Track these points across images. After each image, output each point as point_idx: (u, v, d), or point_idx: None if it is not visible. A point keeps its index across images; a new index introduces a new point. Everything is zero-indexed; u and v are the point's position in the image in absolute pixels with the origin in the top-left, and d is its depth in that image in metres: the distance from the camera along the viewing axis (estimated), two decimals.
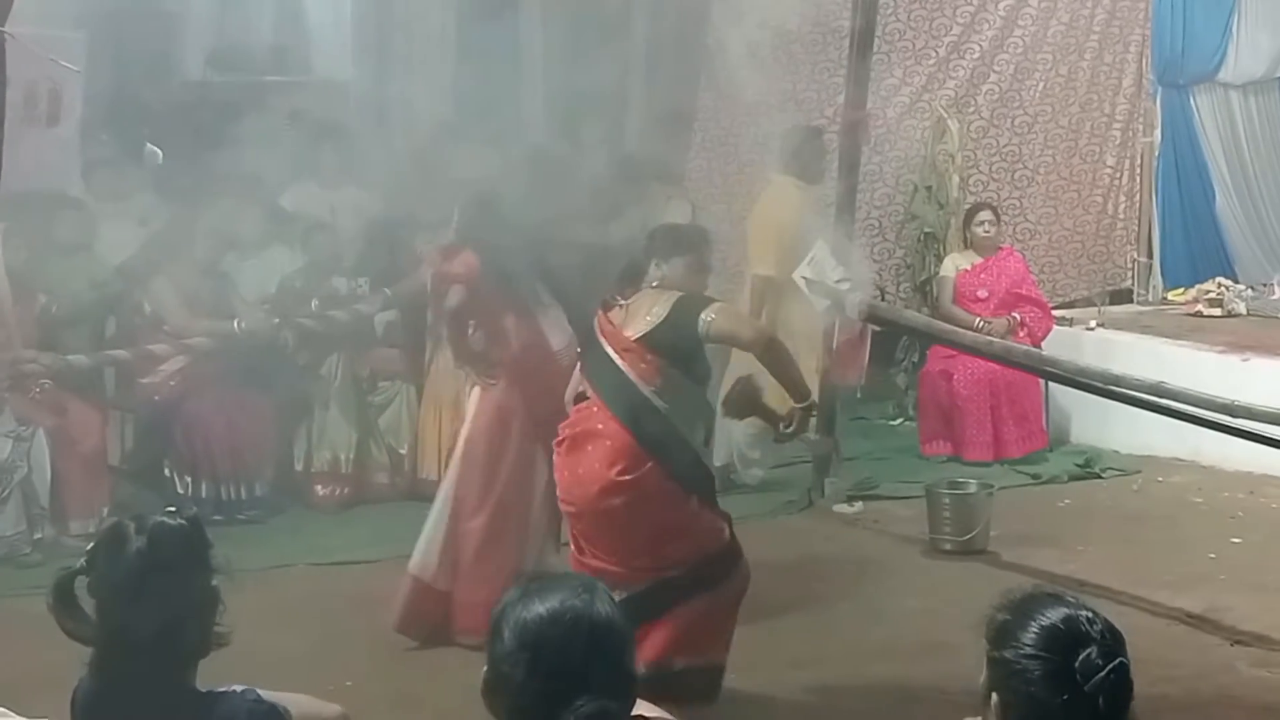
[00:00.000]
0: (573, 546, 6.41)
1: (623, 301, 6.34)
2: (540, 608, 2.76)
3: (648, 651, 5.93)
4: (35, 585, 7.14)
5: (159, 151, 10.68)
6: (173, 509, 3.34)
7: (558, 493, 6.48)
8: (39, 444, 8.18)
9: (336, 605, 7.25)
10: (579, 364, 6.59)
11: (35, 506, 8.13)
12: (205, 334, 8.85)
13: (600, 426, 6.17)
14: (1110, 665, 2.76)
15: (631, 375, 6.16)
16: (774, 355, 6.43)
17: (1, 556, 7.71)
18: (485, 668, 2.78)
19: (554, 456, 6.43)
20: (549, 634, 2.74)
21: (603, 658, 2.75)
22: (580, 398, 6.36)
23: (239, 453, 8.89)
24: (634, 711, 2.85)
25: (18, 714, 3.78)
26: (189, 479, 8.76)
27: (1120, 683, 2.77)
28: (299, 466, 9.18)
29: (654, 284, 6.28)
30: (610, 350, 6.25)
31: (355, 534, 8.50)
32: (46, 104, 8.70)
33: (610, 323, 6.28)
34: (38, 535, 8.10)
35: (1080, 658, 2.76)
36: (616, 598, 5.59)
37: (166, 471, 8.86)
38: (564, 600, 2.78)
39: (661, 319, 6.15)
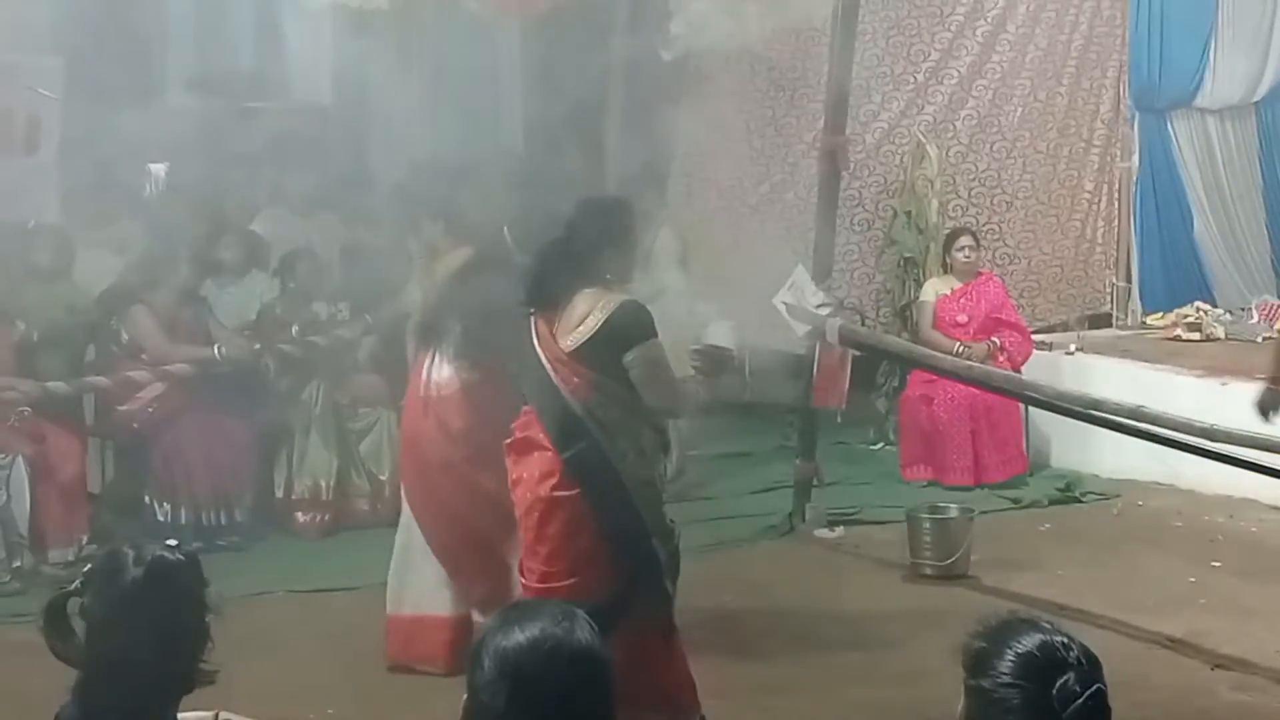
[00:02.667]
0: (522, 557, 6.09)
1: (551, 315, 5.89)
2: (520, 636, 2.75)
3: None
4: (14, 614, 7.15)
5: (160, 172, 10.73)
6: (172, 542, 3.33)
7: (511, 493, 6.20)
8: (17, 472, 8.15)
9: (317, 632, 7.23)
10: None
11: (14, 535, 8.09)
12: (185, 360, 8.84)
13: (541, 438, 5.88)
14: (1088, 691, 2.76)
15: (564, 390, 5.82)
16: (679, 410, 6.33)
17: None
18: (465, 696, 2.77)
19: (506, 458, 6.11)
20: (528, 662, 2.73)
21: (582, 686, 2.74)
22: (528, 410, 6.04)
23: (219, 479, 8.86)
24: None
25: None
26: (168, 506, 8.71)
27: (1098, 709, 2.76)
28: (279, 493, 9.16)
29: (604, 279, 5.84)
30: (544, 359, 5.88)
31: (336, 561, 8.46)
32: (25, 131, 8.70)
33: (546, 327, 5.87)
34: (16, 564, 8.06)
35: (1057, 685, 2.75)
36: None
37: (146, 499, 8.81)
38: (544, 628, 2.77)
39: (593, 333, 5.75)
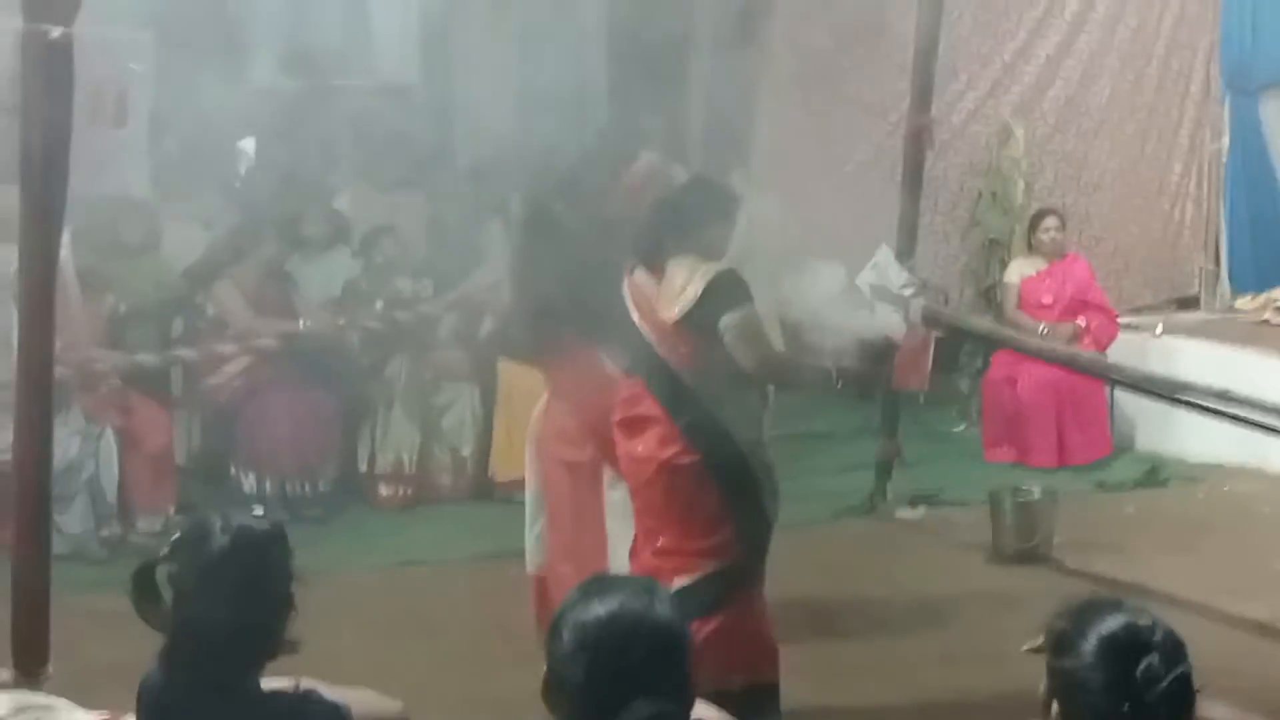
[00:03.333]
0: (636, 530, 6.25)
1: (647, 278, 5.99)
2: (599, 609, 2.77)
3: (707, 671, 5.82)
4: (103, 582, 7.24)
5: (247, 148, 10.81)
6: (258, 511, 3.39)
7: (621, 467, 6.33)
8: (106, 443, 8.26)
9: (400, 605, 7.30)
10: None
11: (103, 505, 8.21)
12: (270, 334, 8.94)
13: (653, 410, 5.97)
14: (1172, 674, 2.75)
15: (671, 361, 5.94)
16: (772, 377, 6.37)
17: (70, 554, 7.70)
18: (545, 669, 2.79)
19: (614, 435, 6.23)
20: (607, 636, 2.74)
21: (660, 660, 2.76)
22: (633, 379, 6.15)
23: (303, 452, 8.99)
24: (693, 714, 2.86)
25: (83, 708, 3.81)
26: (253, 477, 8.87)
27: (1182, 692, 2.75)
28: (363, 467, 9.26)
29: (684, 254, 5.89)
30: (647, 331, 5.99)
31: (418, 534, 8.57)
32: (113, 105, 8.77)
33: (644, 297, 5.98)
34: (105, 533, 8.19)
35: (1141, 666, 2.75)
36: (676, 585, 5.65)
37: (232, 470, 8.96)
38: (623, 602, 2.79)
39: (695, 300, 5.81)
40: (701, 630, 5.73)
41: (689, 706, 2.82)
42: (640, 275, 5.99)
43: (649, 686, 2.72)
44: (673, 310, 5.83)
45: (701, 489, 5.93)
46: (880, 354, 6.43)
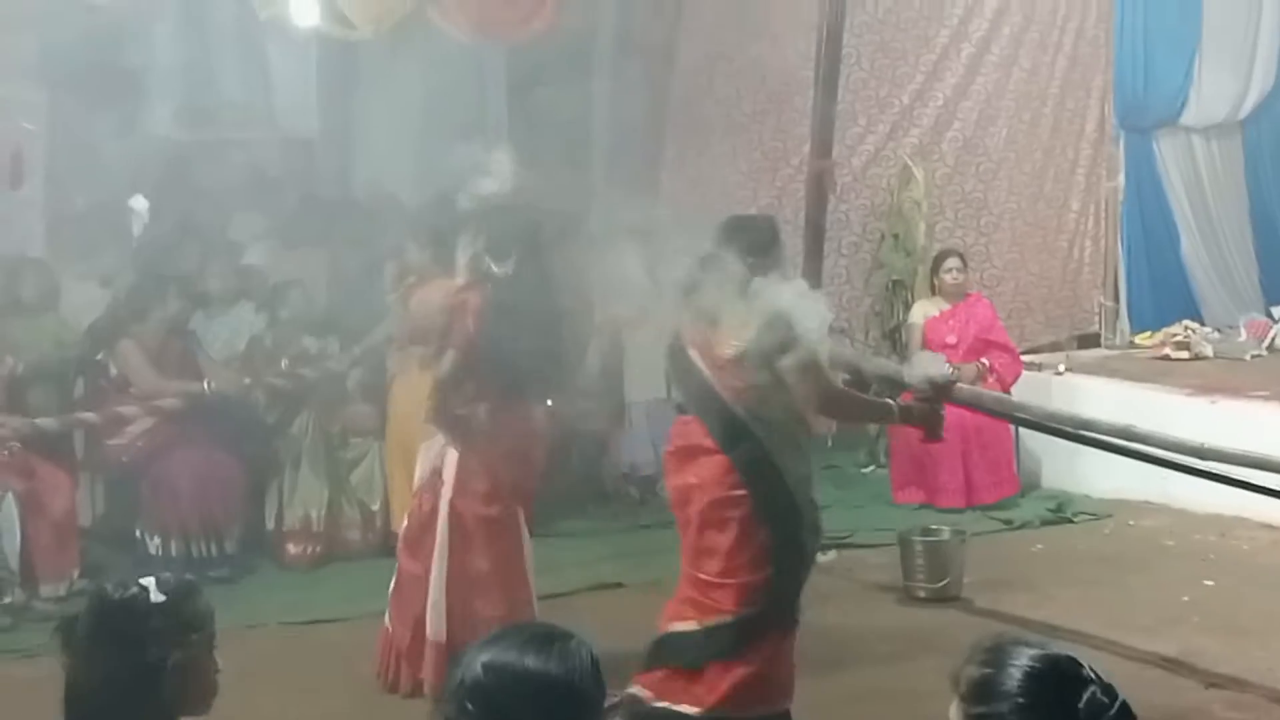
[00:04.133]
0: (684, 562, 6.28)
1: (701, 322, 6.11)
2: (491, 659, 2.76)
3: (723, 694, 6.00)
4: (4, 649, 7.13)
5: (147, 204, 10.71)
6: (152, 580, 3.34)
7: (669, 500, 6.42)
8: (8, 508, 8.09)
9: (309, 663, 7.21)
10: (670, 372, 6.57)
11: (4, 570, 8.03)
12: (173, 394, 8.81)
13: (706, 443, 6.06)
14: (1117, 702, 2.75)
15: (726, 396, 6.04)
16: (833, 410, 6.58)
17: None
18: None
19: (664, 465, 6.44)
20: (494, 689, 2.73)
21: (550, 715, 2.74)
22: (681, 409, 6.31)
23: (209, 512, 8.81)
24: None
25: None
26: (159, 539, 8.67)
27: (1128, 717, 2.75)
28: (270, 524, 9.14)
29: (737, 284, 6.00)
30: (703, 367, 6.11)
31: (327, 591, 8.45)
32: (9, 165, 8.69)
33: (701, 338, 6.10)
34: (7, 599, 7.99)
35: (1084, 698, 2.73)
36: (715, 620, 5.92)
37: (137, 532, 8.78)
38: (518, 656, 2.77)
39: (752, 339, 5.94)
40: (734, 665, 5.98)
41: None
42: (692, 319, 6.12)
43: None
44: (728, 348, 5.96)
45: (750, 525, 6.01)
46: (939, 390, 6.61)
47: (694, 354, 6.12)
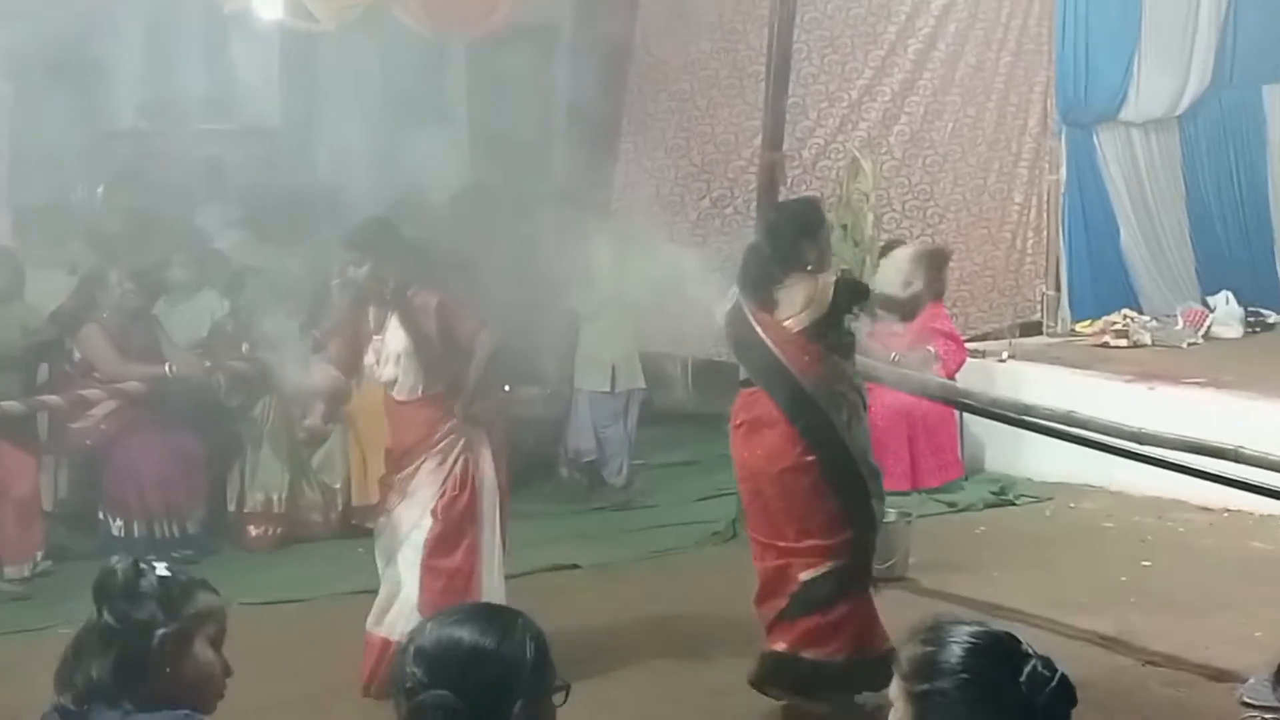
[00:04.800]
0: (752, 534, 6.56)
1: (766, 302, 6.32)
2: (439, 631, 2.83)
3: (808, 641, 6.26)
4: None
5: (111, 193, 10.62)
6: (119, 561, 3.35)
7: (736, 473, 6.59)
8: None
9: (270, 643, 7.15)
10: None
11: None
12: (136, 378, 8.74)
13: (774, 414, 6.26)
14: (1057, 675, 2.74)
15: (793, 369, 6.24)
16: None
17: None
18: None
19: (732, 438, 6.54)
20: (436, 657, 2.79)
21: (484, 685, 2.78)
22: (746, 383, 6.46)
23: (171, 494, 8.79)
24: None
25: None
26: (121, 521, 8.65)
27: (1066, 693, 2.75)
28: (232, 507, 9.11)
29: (805, 269, 6.29)
30: (770, 343, 6.28)
31: (288, 573, 8.40)
32: None
33: (766, 315, 6.29)
34: None
35: (1026, 672, 2.74)
36: (801, 578, 6.19)
37: (100, 514, 8.75)
38: (459, 629, 2.83)
39: (825, 310, 6.23)
40: (821, 620, 6.24)
41: None
42: (753, 303, 6.32)
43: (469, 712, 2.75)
44: (795, 322, 6.22)
45: (819, 490, 6.24)
46: None
47: (760, 330, 6.29)
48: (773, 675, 6.36)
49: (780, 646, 6.38)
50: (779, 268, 6.36)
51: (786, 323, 6.27)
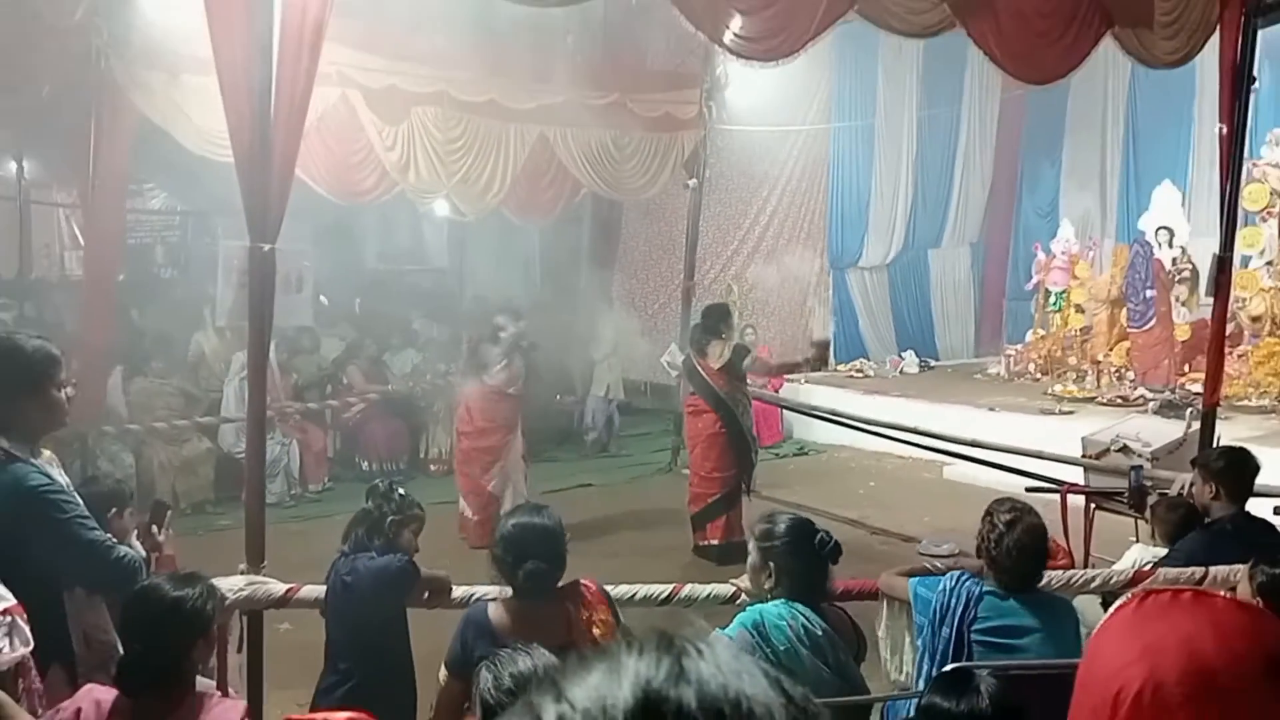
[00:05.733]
0: (690, 470, 6.55)
1: (704, 351, 6.35)
2: (511, 521, 2.80)
3: (719, 534, 6.24)
4: (293, 516, 7.02)
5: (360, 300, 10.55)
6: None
7: (685, 435, 6.71)
8: (293, 447, 8.04)
9: (437, 525, 7.06)
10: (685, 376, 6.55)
11: (291, 479, 7.98)
12: (375, 392, 8.74)
13: (705, 407, 6.33)
14: (832, 540, 2.76)
15: (715, 386, 6.28)
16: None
17: (276, 503, 7.47)
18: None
19: (685, 419, 6.60)
20: (514, 532, 2.76)
21: (542, 545, 2.73)
22: (692, 393, 6.45)
23: (392, 448, 8.78)
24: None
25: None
26: (366, 462, 8.63)
27: (836, 549, 2.77)
28: (422, 454, 8.98)
29: (721, 338, 6.35)
30: (704, 374, 6.31)
31: (449, 488, 8.31)
32: (295, 280, 8.64)
33: (704, 360, 6.32)
34: (293, 492, 7.95)
35: (818, 538, 2.73)
36: (712, 499, 6.26)
37: (355, 458, 8.71)
38: (522, 516, 2.81)
39: (728, 359, 6.29)
40: (716, 525, 6.22)
41: (561, 570, 2.78)
42: (699, 353, 6.38)
43: (536, 556, 2.71)
44: (715, 364, 6.29)
45: (725, 446, 6.29)
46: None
47: (699, 368, 6.36)
48: (703, 552, 6.28)
49: (703, 540, 6.32)
50: (709, 337, 6.37)
51: (712, 364, 6.29)
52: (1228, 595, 1.07)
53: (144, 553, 3.09)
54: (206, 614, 2.30)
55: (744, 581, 3.10)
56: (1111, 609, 1.06)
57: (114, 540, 2.68)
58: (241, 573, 3.41)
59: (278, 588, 3.38)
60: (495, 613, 2.72)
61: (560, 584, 2.75)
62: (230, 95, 3.31)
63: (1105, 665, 0.99)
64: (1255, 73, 5.06)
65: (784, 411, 10.00)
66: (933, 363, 11.91)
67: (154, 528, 3.44)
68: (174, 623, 2.22)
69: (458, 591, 3.42)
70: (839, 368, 11.54)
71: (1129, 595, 1.06)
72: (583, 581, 2.81)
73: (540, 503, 2.94)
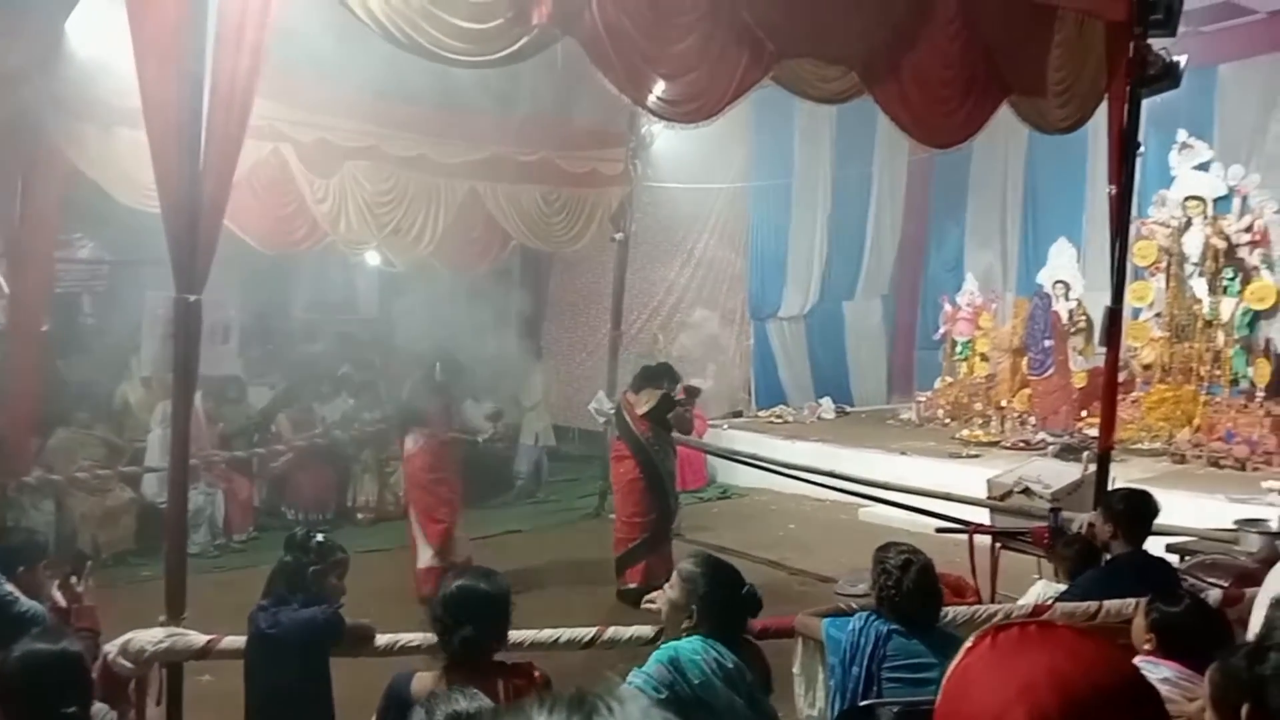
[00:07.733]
0: (615, 514, 6.50)
1: (632, 397, 6.43)
2: (457, 582, 2.67)
3: (639, 578, 6.11)
4: (217, 566, 6.79)
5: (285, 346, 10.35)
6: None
7: (611, 480, 6.62)
8: (218, 496, 7.83)
9: (362, 569, 6.90)
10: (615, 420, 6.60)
11: (216, 528, 7.76)
12: (302, 440, 8.56)
13: (627, 452, 6.32)
14: (747, 585, 2.78)
15: (637, 432, 6.28)
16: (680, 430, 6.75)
17: (200, 552, 7.25)
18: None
19: (611, 464, 6.55)
20: (456, 594, 2.62)
21: (482, 611, 2.59)
22: (619, 437, 6.46)
23: (318, 496, 8.57)
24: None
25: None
26: (292, 511, 8.42)
27: (759, 603, 2.79)
28: (349, 502, 8.81)
29: (646, 390, 6.39)
30: (629, 420, 6.33)
31: (376, 537, 8.12)
32: (222, 333, 8.49)
33: (630, 406, 6.37)
34: (218, 542, 7.72)
35: (745, 589, 2.75)
36: (629, 546, 6.15)
37: (281, 508, 8.49)
38: (468, 579, 2.67)
39: (652, 407, 6.30)
40: (636, 569, 6.13)
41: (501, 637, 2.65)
42: (629, 397, 6.44)
43: (475, 623, 2.57)
44: (640, 411, 6.31)
45: (645, 491, 6.26)
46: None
47: (626, 414, 6.38)
48: (624, 596, 6.15)
49: (626, 584, 6.20)
50: (646, 385, 6.43)
51: (638, 411, 6.31)
52: (1068, 625, 1.08)
53: (64, 603, 2.98)
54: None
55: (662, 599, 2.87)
56: (962, 649, 1.02)
57: (15, 595, 2.58)
58: (161, 624, 3.31)
59: (198, 639, 3.29)
60: (418, 685, 2.53)
61: (505, 660, 2.61)
62: (159, 144, 3.25)
63: (981, 707, 0.95)
64: (1141, 138, 5.36)
65: (708, 456, 10.05)
66: (848, 409, 12.04)
67: (73, 579, 3.32)
68: (50, 683, 2.16)
69: (382, 639, 3.36)
70: (759, 414, 11.57)
71: (976, 635, 1.03)
72: (536, 670, 2.61)
73: (491, 568, 2.77)
